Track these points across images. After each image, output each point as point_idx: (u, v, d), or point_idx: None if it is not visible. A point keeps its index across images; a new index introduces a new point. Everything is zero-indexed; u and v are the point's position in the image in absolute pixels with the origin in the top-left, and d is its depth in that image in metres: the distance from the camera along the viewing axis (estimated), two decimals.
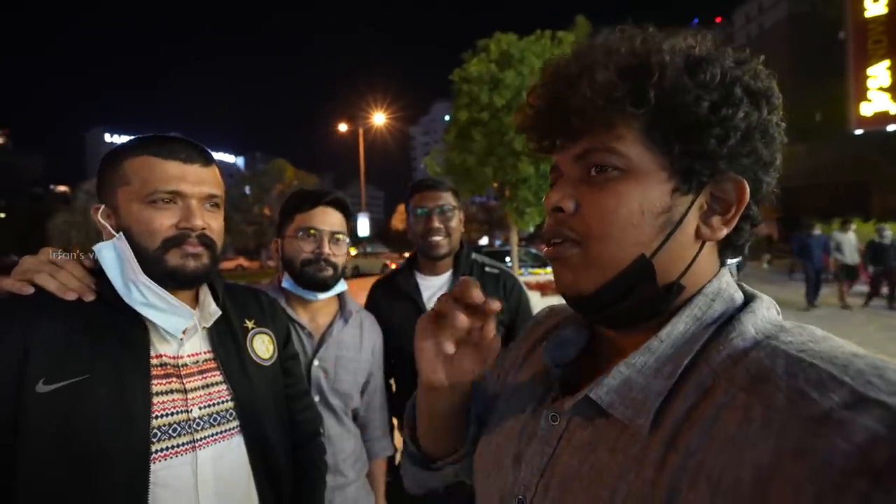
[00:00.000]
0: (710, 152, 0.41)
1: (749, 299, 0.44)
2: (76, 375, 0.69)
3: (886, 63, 16.66)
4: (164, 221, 0.76)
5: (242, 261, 30.43)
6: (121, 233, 0.77)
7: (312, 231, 1.23)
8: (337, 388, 1.26)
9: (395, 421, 1.47)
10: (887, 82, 16.72)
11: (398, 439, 1.48)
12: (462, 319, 0.46)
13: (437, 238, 1.41)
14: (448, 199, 1.44)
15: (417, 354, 0.51)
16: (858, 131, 17.35)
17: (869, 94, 17.11)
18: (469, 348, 0.50)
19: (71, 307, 0.73)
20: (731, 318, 0.42)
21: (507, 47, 9.64)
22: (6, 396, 0.66)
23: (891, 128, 17.19)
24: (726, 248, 0.46)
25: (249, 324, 0.95)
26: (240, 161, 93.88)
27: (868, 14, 16.99)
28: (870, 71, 17.07)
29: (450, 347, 0.48)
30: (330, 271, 1.24)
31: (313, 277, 1.23)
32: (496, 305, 0.45)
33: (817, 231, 8.24)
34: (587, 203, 0.44)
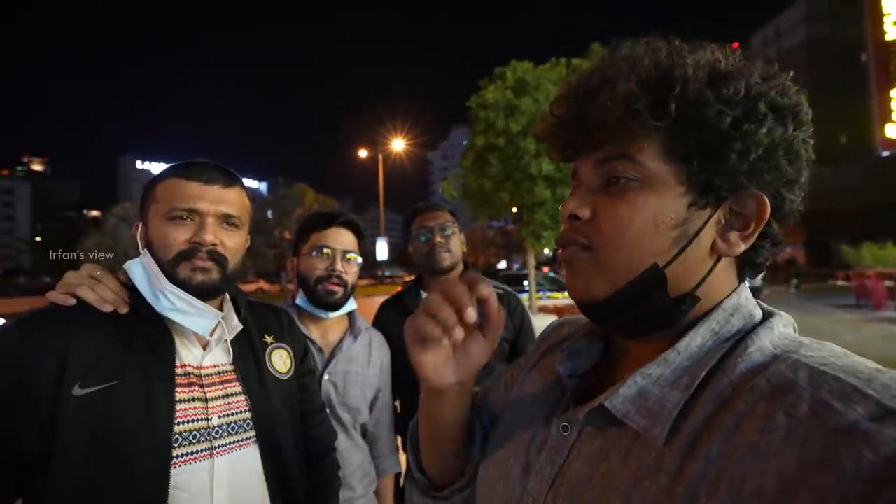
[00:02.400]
0: (730, 167, 0.41)
1: (767, 316, 0.44)
2: (108, 381, 0.74)
3: None
4: (179, 236, 0.81)
5: (263, 284, 30.89)
6: (145, 249, 0.84)
7: (326, 250, 1.30)
8: (346, 402, 1.29)
9: (399, 440, 1.49)
10: None
11: (403, 459, 1.50)
12: (471, 313, 0.45)
13: (442, 252, 1.49)
14: (446, 217, 1.53)
15: (415, 358, 0.49)
16: (885, 153, 17.01)
17: (894, 116, 16.83)
18: (471, 333, 0.49)
19: (107, 318, 0.79)
20: (748, 333, 0.42)
21: (523, 75, 9.85)
22: (47, 396, 0.71)
23: None
24: (745, 265, 0.46)
25: (269, 339, 0.99)
26: (263, 186, 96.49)
27: (889, 37, 16.88)
28: (893, 93, 16.82)
29: (459, 332, 0.46)
30: (340, 290, 1.30)
31: (324, 298, 1.29)
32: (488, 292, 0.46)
33: None
34: (602, 211, 0.44)
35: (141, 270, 0.83)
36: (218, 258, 0.84)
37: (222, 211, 0.85)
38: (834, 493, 0.29)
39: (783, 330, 0.42)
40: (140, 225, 0.86)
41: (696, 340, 0.42)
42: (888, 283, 11.82)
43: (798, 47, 36.85)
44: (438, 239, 1.49)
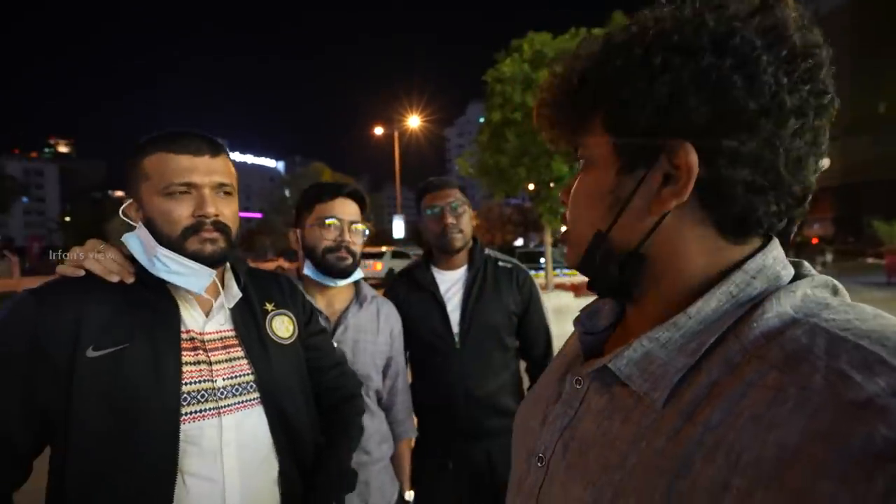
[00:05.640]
0: (636, 125, 0.42)
1: (798, 277, 0.41)
2: (119, 344, 0.79)
3: None
4: (182, 212, 0.85)
5: (282, 262, 31.33)
6: (140, 223, 0.87)
7: (333, 221, 1.31)
8: (356, 370, 1.31)
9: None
10: None
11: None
12: None
13: (454, 233, 1.49)
14: (456, 195, 1.52)
15: None
16: None
17: None
18: None
19: (114, 288, 0.84)
20: (768, 297, 0.38)
21: (541, 47, 9.55)
22: (63, 358, 0.77)
23: None
24: (724, 219, 0.41)
25: (269, 306, 1.02)
26: (280, 165, 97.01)
27: None
28: None
29: None
30: (350, 259, 1.31)
31: (335, 265, 1.30)
32: None
33: None
34: (573, 193, 0.52)
35: (137, 242, 0.87)
36: (222, 227, 0.88)
37: (216, 181, 0.88)
38: (834, 466, 0.27)
39: (810, 292, 0.39)
40: (131, 202, 0.88)
41: (710, 304, 0.40)
42: None
43: (839, 9, 34.67)
44: (450, 219, 1.48)
